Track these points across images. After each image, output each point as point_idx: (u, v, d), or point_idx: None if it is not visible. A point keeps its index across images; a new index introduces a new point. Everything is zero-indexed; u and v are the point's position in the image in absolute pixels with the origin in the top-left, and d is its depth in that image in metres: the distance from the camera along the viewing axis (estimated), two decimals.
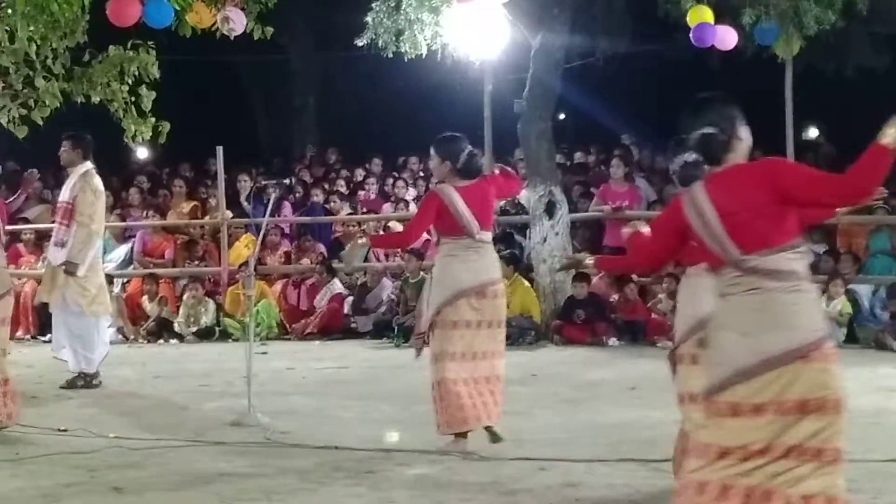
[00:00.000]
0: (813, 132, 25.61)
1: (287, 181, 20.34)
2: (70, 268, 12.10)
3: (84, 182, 12.29)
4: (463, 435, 9.04)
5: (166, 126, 13.79)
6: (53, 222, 12.95)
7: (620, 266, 7.65)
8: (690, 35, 15.36)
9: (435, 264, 9.54)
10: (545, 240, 16.51)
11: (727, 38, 15.50)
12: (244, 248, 17.32)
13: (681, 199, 5.64)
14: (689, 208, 5.54)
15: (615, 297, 16.05)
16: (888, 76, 18.95)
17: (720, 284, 5.52)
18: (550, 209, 16.43)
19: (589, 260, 7.07)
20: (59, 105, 13.26)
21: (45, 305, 13.98)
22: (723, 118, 5.58)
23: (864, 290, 15.58)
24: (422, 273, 16.34)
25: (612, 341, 15.45)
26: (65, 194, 12.45)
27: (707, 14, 15.16)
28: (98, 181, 12.47)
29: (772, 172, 5.42)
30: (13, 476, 8.28)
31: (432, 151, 9.43)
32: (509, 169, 10.31)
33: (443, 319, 9.09)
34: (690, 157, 5.83)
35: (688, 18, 15.27)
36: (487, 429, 9.08)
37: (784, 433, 5.22)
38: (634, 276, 16.04)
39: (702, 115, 5.63)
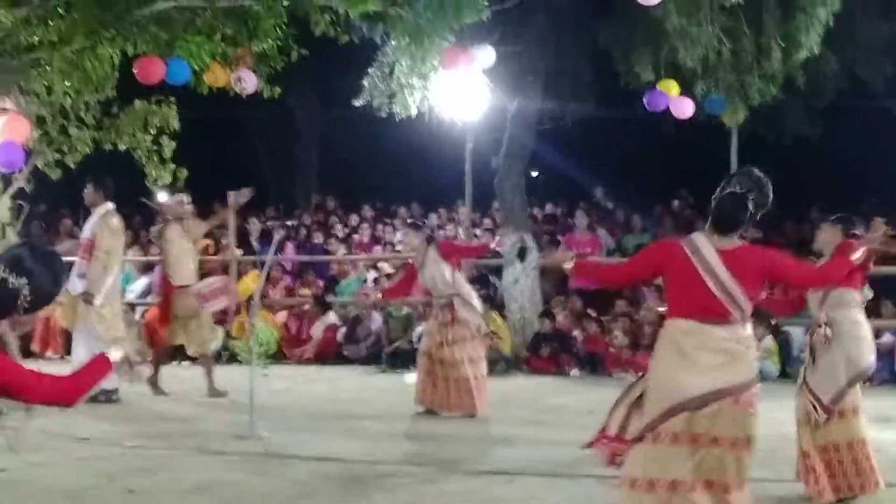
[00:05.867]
0: None
1: (290, 224, 20.42)
2: (87, 297, 12.06)
3: (103, 221, 12.22)
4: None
5: (184, 172, 13.89)
6: None
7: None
8: (644, 100, 15.38)
9: None
10: (516, 281, 16.52)
11: (684, 107, 15.51)
12: (251, 283, 17.30)
13: None
14: None
15: (577, 332, 16.00)
16: (821, 144, 19.03)
17: None
18: (522, 254, 16.44)
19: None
20: (89, 151, 13.35)
21: None
22: None
23: (796, 332, 15.48)
24: (404, 308, 16.38)
25: (574, 372, 15.41)
26: (86, 231, 12.38)
27: (674, 87, 15.22)
28: (117, 220, 12.33)
29: None
30: (42, 477, 8.29)
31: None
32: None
33: None
34: None
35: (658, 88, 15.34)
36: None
37: None
38: (593, 314, 16.04)
39: None
